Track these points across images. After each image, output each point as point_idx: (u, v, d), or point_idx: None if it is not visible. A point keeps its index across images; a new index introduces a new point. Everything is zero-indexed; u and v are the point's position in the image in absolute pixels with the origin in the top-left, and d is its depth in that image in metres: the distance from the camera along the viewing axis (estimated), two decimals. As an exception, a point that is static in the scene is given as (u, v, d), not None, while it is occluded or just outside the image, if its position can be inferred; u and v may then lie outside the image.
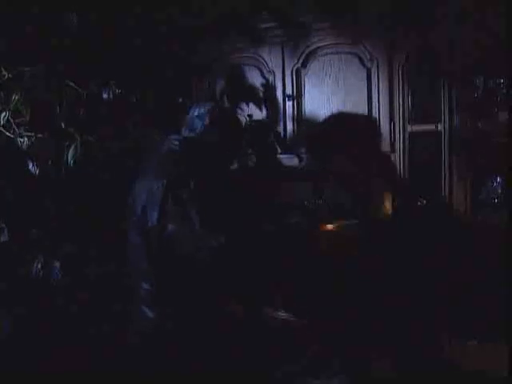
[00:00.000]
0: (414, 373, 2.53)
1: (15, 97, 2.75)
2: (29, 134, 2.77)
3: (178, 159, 2.28)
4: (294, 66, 2.94)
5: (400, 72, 2.65)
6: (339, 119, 2.85)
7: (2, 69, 2.76)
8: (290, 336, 2.75)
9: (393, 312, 2.63)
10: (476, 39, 2.43)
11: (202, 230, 2.12)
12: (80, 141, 2.80)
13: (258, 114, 3.05)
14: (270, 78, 3.02)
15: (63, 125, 2.83)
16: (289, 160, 2.97)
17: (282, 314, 2.86)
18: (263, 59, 3.01)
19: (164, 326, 2.25)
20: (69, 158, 2.79)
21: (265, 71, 3.03)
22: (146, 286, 2.27)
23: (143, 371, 2.37)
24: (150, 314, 2.26)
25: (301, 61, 2.92)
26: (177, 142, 2.35)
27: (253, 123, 3.00)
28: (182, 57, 3.04)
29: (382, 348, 2.66)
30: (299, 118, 2.97)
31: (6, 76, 2.77)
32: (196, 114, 2.38)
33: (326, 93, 2.87)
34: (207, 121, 2.34)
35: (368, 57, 2.73)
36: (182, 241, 2.16)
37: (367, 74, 2.74)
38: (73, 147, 2.80)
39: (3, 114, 2.76)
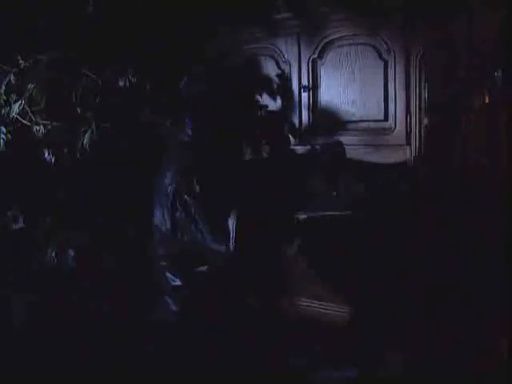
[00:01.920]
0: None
1: (31, 85, 2.76)
2: (45, 121, 2.78)
3: (184, 155, 2.09)
4: (310, 56, 2.92)
5: (417, 64, 2.63)
6: (355, 111, 2.84)
7: (19, 57, 2.77)
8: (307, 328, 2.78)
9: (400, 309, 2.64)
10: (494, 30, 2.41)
11: (210, 238, 1.97)
12: (96, 126, 2.80)
13: (273, 104, 3.04)
14: (286, 69, 3.00)
15: (79, 110, 2.83)
16: (303, 151, 2.96)
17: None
18: (279, 50, 3.00)
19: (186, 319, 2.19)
20: (84, 143, 2.79)
21: (280, 62, 3.01)
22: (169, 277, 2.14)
23: (160, 365, 2.38)
24: (173, 307, 2.17)
25: (317, 52, 2.89)
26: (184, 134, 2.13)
27: (268, 114, 2.99)
28: (196, 46, 3.02)
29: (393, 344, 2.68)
30: (315, 109, 2.95)
31: (23, 64, 2.78)
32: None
33: (342, 84, 2.85)
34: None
35: (385, 48, 2.71)
36: (193, 249, 2.03)
37: (384, 66, 2.72)
38: (88, 132, 2.81)
39: (19, 102, 2.77)
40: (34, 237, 2.86)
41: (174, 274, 2.13)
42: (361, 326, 2.71)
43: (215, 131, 2.13)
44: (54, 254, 2.85)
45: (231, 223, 1.92)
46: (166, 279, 2.16)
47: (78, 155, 2.84)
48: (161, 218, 2.08)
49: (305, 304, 2.83)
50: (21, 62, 2.78)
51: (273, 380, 2.60)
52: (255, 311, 2.65)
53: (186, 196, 1.95)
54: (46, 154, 2.83)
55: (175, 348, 2.27)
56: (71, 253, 2.85)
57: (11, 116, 2.79)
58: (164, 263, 2.16)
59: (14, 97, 2.80)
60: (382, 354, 2.67)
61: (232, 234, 1.91)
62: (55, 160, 2.83)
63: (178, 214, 1.99)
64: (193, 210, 1.94)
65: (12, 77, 2.78)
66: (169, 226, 2.04)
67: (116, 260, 2.95)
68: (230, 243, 1.92)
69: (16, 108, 2.79)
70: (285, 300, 2.87)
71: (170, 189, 2.01)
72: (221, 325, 2.21)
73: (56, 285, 2.86)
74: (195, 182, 1.93)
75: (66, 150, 2.84)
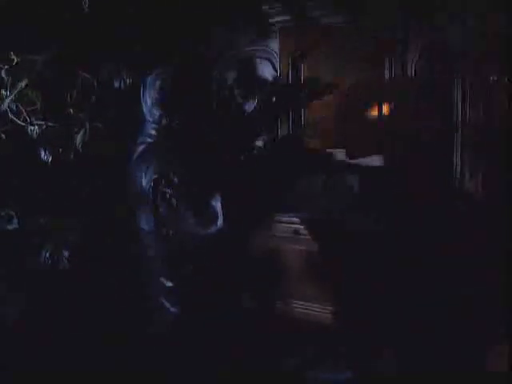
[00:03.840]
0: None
1: (24, 82, 2.73)
2: (40, 122, 2.75)
3: (157, 152, 2.10)
4: (307, 59, 2.95)
5: (413, 69, 2.67)
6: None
7: (11, 53, 2.72)
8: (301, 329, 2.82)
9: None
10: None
11: (194, 223, 1.99)
12: (89, 127, 2.78)
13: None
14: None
15: (72, 111, 2.80)
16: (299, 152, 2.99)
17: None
18: (275, 52, 3.01)
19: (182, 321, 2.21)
20: (77, 143, 2.76)
21: (276, 64, 3.03)
22: (163, 280, 2.17)
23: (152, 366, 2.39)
24: (170, 307, 2.18)
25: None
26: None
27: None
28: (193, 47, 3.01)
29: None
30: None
31: (15, 61, 2.74)
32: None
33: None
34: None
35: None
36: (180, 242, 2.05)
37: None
38: (81, 132, 2.78)
39: (10, 97, 2.73)
40: (28, 237, 2.83)
41: (166, 275, 2.16)
42: (353, 328, 2.77)
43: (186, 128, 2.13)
44: (48, 255, 2.82)
45: (217, 203, 1.95)
46: (160, 282, 2.19)
47: (72, 155, 2.81)
48: (145, 220, 2.11)
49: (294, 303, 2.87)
50: (13, 57, 2.74)
51: (265, 380, 2.64)
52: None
53: (165, 189, 1.98)
54: (43, 154, 2.79)
55: (170, 348, 2.29)
56: (66, 253, 2.83)
57: (1, 110, 2.74)
58: (156, 265, 2.18)
59: (5, 93, 2.75)
60: (375, 356, 2.74)
61: (219, 213, 1.94)
62: (51, 160, 2.80)
63: (160, 209, 2.01)
64: (174, 201, 1.97)
65: (4, 73, 2.74)
66: (153, 224, 2.07)
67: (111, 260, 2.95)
68: (218, 222, 1.94)
69: (6, 103, 2.74)
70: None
71: (148, 187, 2.04)
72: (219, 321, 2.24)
73: (50, 285, 2.85)
74: (172, 174, 1.97)
75: (60, 151, 2.81)
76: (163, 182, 1.99)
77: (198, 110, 2.13)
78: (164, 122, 2.08)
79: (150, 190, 2.03)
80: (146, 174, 2.06)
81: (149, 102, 2.12)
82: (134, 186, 2.14)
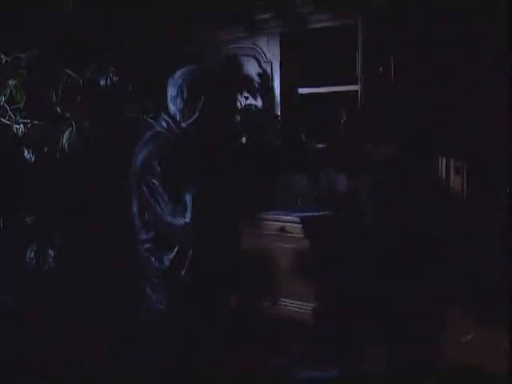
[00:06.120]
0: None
1: (11, 82, 2.73)
2: (25, 120, 2.75)
3: (151, 143, 2.15)
4: (292, 56, 2.96)
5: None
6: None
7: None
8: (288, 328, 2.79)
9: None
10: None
11: (169, 212, 2.05)
12: (75, 126, 2.78)
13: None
14: (268, 69, 3.02)
15: (59, 110, 2.80)
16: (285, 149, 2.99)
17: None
18: (261, 49, 3.02)
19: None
20: (63, 142, 2.76)
21: (262, 61, 3.04)
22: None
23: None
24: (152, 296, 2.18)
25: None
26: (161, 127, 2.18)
27: (249, 111, 3.00)
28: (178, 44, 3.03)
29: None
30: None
31: (4, 60, 2.74)
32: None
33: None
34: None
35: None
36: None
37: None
38: (68, 131, 2.78)
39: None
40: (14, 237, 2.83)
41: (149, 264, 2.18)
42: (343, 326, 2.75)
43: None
44: (32, 255, 2.81)
45: (188, 197, 2.02)
46: (148, 264, 2.20)
47: (58, 154, 2.81)
48: (135, 205, 2.19)
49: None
50: (2, 57, 2.74)
51: (254, 379, 2.61)
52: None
53: (149, 177, 2.07)
54: (26, 153, 2.79)
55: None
56: (51, 253, 2.82)
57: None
58: (144, 246, 2.21)
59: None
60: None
61: (189, 207, 2.02)
62: (35, 159, 2.80)
63: (144, 195, 2.10)
64: (155, 188, 2.06)
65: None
66: (137, 208, 2.16)
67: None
68: (187, 215, 2.01)
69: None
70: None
71: (138, 174, 2.13)
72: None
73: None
74: (157, 164, 2.05)
75: (45, 150, 2.80)
76: (149, 169, 2.07)
77: (211, 111, 2.13)
78: (178, 117, 2.14)
79: (139, 174, 2.12)
80: (139, 160, 2.15)
81: (169, 96, 2.16)
82: (132, 168, 2.21)
